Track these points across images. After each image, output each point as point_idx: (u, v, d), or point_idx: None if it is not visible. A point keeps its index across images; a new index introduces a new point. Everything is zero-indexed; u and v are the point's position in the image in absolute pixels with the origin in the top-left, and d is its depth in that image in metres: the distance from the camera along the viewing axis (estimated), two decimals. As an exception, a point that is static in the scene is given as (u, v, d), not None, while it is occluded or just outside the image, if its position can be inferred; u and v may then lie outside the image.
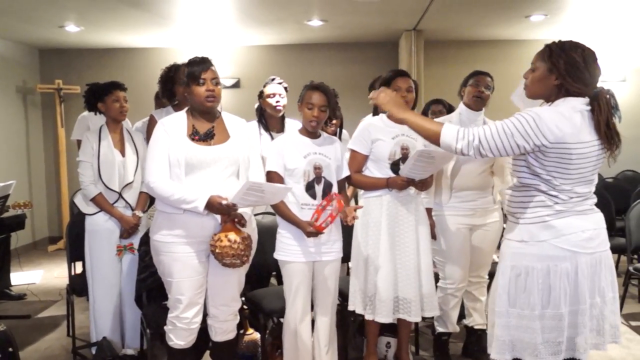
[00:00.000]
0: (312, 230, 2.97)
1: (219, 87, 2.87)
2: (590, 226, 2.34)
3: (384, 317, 3.22)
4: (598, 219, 2.40)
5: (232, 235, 2.72)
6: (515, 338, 2.36)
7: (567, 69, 2.26)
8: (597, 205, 2.45)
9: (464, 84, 3.56)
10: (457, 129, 2.33)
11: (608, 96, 2.26)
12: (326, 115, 3.10)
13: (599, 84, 2.31)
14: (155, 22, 6.67)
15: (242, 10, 6.28)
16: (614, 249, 4.99)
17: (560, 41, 2.32)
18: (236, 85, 8.15)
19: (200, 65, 2.83)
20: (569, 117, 2.23)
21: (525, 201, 2.37)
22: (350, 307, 3.34)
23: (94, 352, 3.71)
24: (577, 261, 2.30)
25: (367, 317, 3.29)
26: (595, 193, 2.46)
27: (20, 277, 6.03)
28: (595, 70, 2.28)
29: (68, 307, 4.12)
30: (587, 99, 2.27)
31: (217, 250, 2.73)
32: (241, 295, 3.58)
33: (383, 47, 8.13)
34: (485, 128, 2.30)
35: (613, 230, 5.24)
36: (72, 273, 4.04)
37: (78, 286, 3.95)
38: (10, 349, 2.99)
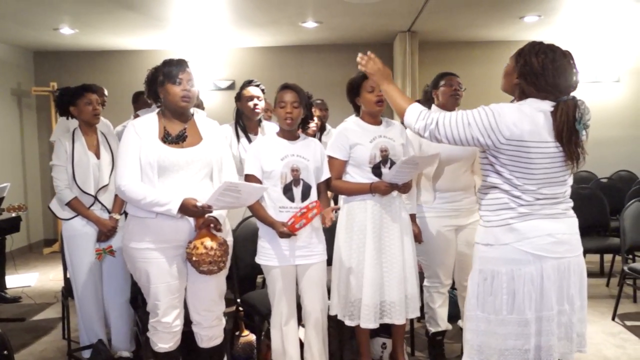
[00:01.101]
0: (284, 231, 2.93)
1: (194, 89, 2.85)
2: (559, 230, 2.31)
3: (369, 322, 3.20)
4: (570, 224, 2.37)
5: (208, 242, 2.70)
6: (483, 343, 2.35)
7: (522, 71, 2.29)
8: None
9: (434, 86, 3.59)
10: (420, 109, 2.42)
11: (572, 107, 2.23)
12: (300, 112, 3.07)
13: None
14: (150, 24, 6.66)
15: (237, 12, 6.28)
16: (609, 249, 5.08)
17: (535, 43, 2.33)
18: (231, 87, 8.15)
19: (178, 65, 2.81)
20: (530, 115, 2.24)
21: (490, 204, 2.37)
22: (332, 312, 3.31)
23: (87, 355, 3.70)
24: (542, 266, 2.28)
25: (349, 323, 3.26)
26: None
27: (16, 280, 6.02)
28: (554, 79, 2.25)
29: (63, 309, 4.11)
30: (553, 103, 2.26)
31: (194, 258, 2.70)
32: (236, 298, 3.58)
33: (378, 48, 8.10)
34: (446, 114, 2.35)
35: (607, 231, 5.25)
36: (67, 276, 4.03)
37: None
38: (5, 352, 2.98)
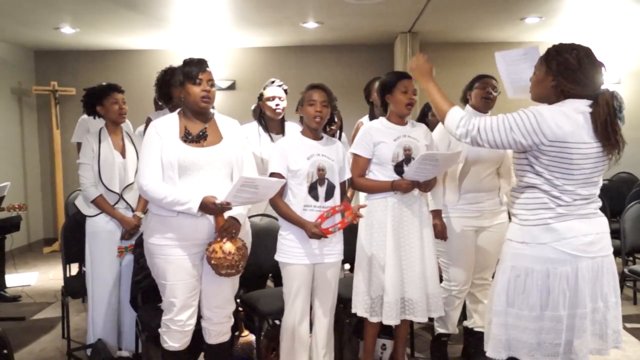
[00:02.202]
0: (316, 232, 2.96)
1: (213, 89, 2.87)
2: (592, 230, 2.35)
3: (392, 319, 3.21)
4: (601, 223, 2.41)
5: (227, 246, 2.72)
6: (512, 337, 2.38)
7: (559, 70, 2.31)
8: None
9: (469, 87, 3.59)
10: (461, 115, 2.46)
11: (610, 97, 2.29)
12: (328, 111, 3.10)
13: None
14: (151, 24, 6.66)
15: (238, 13, 6.28)
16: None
17: (558, 44, 2.37)
18: (231, 87, 8.16)
19: (198, 65, 2.83)
20: (571, 116, 2.27)
21: (528, 202, 2.39)
22: (354, 310, 3.32)
23: (88, 354, 3.70)
24: (578, 265, 2.31)
25: (373, 319, 3.26)
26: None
27: (15, 279, 6.02)
28: (590, 71, 2.30)
29: (63, 309, 4.11)
30: (590, 101, 2.30)
31: (212, 262, 2.73)
32: (236, 297, 3.58)
33: (378, 49, 8.15)
34: (487, 120, 2.37)
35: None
36: (67, 275, 4.03)
37: (73, 288, 3.94)
38: (5, 351, 2.98)
